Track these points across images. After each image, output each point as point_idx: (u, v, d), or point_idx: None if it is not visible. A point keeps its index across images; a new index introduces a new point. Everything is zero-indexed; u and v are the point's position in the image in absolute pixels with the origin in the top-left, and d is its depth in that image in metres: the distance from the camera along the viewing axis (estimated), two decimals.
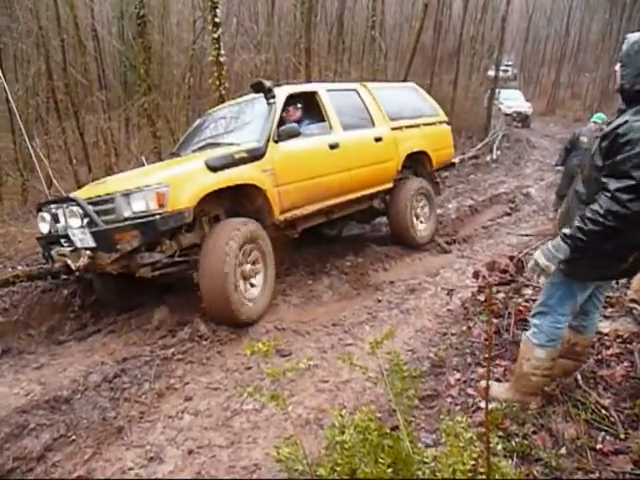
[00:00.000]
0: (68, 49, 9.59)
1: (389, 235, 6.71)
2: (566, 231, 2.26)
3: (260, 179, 4.48)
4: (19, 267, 5.00)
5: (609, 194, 2.11)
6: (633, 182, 2.05)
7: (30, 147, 6.42)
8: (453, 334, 3.95)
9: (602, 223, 2.12)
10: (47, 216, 4.31)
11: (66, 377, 3.53)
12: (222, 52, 7.42)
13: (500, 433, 2.39)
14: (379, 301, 4.83)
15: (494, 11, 20.65)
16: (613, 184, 2.11)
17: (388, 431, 1.88)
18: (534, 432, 2.45)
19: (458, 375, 3.17)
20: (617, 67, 2.30)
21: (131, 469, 2.66)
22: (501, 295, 4.27)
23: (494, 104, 18.90)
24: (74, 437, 2.87)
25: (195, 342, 3.94)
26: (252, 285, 4.42)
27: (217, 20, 7.21)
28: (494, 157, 14.14)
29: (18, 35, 11.55)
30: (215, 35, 7.30)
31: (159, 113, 9.60)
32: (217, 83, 7.54)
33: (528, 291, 4.29)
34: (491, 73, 20.20)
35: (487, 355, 2.42)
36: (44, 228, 4.37)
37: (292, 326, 4.27)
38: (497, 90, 19.35)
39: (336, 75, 12.61)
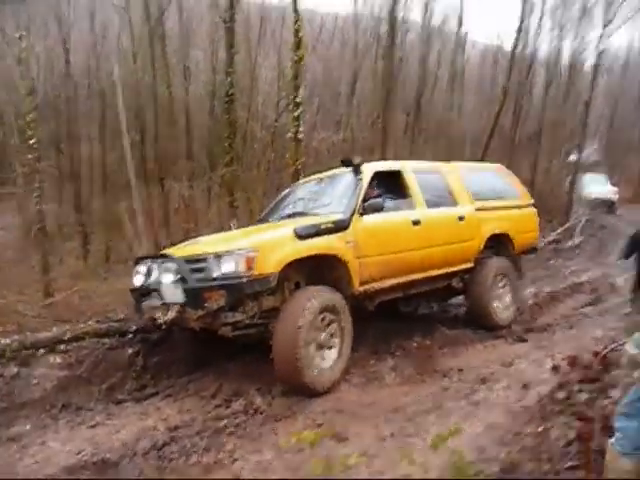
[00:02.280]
0: (161, 121, 10.41)
1: (460, 317, 6.44)
2: None
3: (343, 250, 4.57)
4: (89, 323, 5.16)
5: None
6: None
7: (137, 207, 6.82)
8: (527, 434, 3.56)
9: None
10: (143, 270, 4.57)
11: (118, 439, 3.49)
12: (301, 129, 7.76)
13: None
14: (446, 389, 4.49)
15: (577, 96, 20.43)
16: None
17: None
18: None
19: None
20: None
21: None
22: (585, 396, 3.84)
23: (576, 189, 18.28)
24: None
25: (249, 415, 3.82)
26: (325, 355, 4.38)
27: (298, 100, 7.61)
28: (576, 243, 13.48)
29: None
30: (296, 114, 7.68)
31: (238, 184, 10.04)
32: (294, 158, 7.82)
33: (616, 392, 3.83)
34: (573, 158, 19.71)
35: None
36: (138, 281, 4.62)
37: (350, 408, 4.04)
38: (579, 175, 18.78)
39: (411, 155, 12.76)
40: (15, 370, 4.40)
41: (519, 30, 13.47)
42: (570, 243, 13.42)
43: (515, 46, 13.64)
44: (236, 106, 9.89)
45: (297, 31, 7.61)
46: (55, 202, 11.86)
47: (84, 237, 11.44)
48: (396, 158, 11.04)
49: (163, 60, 10.91)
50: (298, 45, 7.67)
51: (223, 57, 11.24)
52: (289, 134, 8.12)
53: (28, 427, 3.88)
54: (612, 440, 2.30)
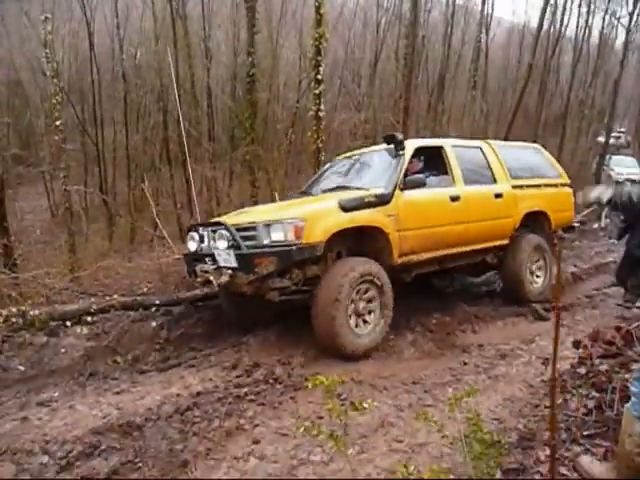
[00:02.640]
0: (183, 103, 10.46)
1: (481, 295, 6.48)
2: None
3: (385, 223, 4.76)
4: (115, 296, 5.29)
5: None
6: None
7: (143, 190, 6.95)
8: (547, 407, 3.56)
9: None
10: (196, 236, 4.86)
11: (142, 405, 3.59)
12: (322, 107, 7.75)
13: None
14: (465, 364, 4.51)
15: (606, 75, 19.80)
16: None
17: None
18: None
19: (549, 451, 2.81)
20: None
21: None
22: (605, 367, 3.81)
23: (603, 170, 17.83)
24: (140, 464, 2.87)
25: (269, 384, 3.90)
26: (364, 322, 4.60)
27: (319, 77, 7.59)
28: (602, 225, 13.21)
29: (143, 93, 12.90)
30: (316, 91, 7.67)
31: (260, 165, 10.08)
32: (315, 137, 7.83)
33: (638, 366, 3.79)
34: (601, 139, 19.18)
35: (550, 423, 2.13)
36: (192, 246, 4.93)
37: (369, 379, 4.09)
38: (607, 156, 18.31)
39: (433, 135, 12.62)
40: (44, 339, 4.55)
41: (545, 5, 13.07)
42: (596, 225, 13.17)
43: (541, 22, 13.22)
44: (257, 87, 9.89)
45: (318, 7, 7.56)
46: (81, 185, 12.06)
47: (109, 218, 11.64)
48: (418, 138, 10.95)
49: (185, 41, 10.95)
50: (319, 22, 7.62)
51: (244, 38, 11.24)
52: (310, 112, 8.13)
53: (57, 393, 4.02)
54: (628, 405, 2.30)
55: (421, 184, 5.02)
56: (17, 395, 3.98)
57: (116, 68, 13.28)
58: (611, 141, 18.93)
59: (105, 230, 11.36)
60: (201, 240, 4.80)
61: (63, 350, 4.56)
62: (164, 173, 11.36)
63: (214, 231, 4.61)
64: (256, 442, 3.17)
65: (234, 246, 4.35)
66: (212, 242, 4.61)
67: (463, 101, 16.30)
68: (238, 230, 4.40)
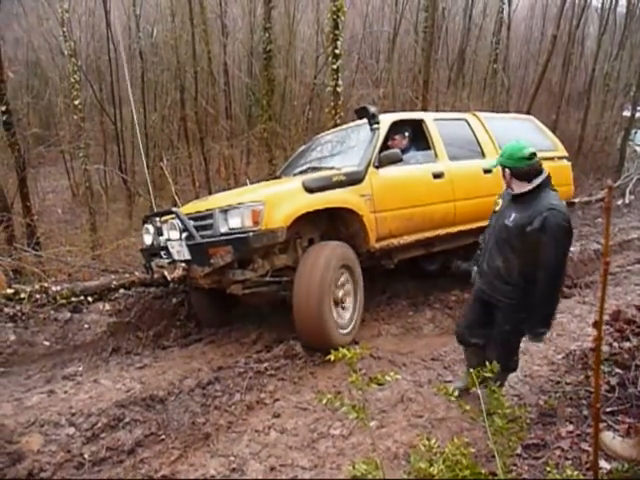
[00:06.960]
0: (200, 81, 10.43)
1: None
2: None
3: (357, 203, 4.32)
4: (136, 273, 5.35)
5: None
6: None
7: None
8: (568, 383, 3.53)
9: None
10: (151, 228, 4.50)
11: (164, 379, 3.67)
12: (340, 83, 7.63)
13: None
14: None
15: (632, 47, 19.14)
16: None
17: (483, 471, 1.66)
18: None
19: (571, 427, 2.79)
20: None
21: (213, 477, 2.64)
22: (628, 345, 3.75)
23: (628, 145, 17.34)
24: (164, 437, 2.93)
25: (289, 360, 3.92)
26: (342, 312, 4.25)
27: (337, 52, 7.46)
28: (626, 201, 12.88)
29: (160, 71, 12.88)
30: (334, 66, 7.54)
31: (277, 142, 10.03)
32: (332, 112, 7.73)
33: None
34: (626, 113, 18.62)
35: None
36: (147, 240, 4.58)
37: (388, 356, 4.10)
38: (633, 131, 17.79)
39: (453, 110, 12.40)
40: (68, 315, 4.63)
41: None
42: (620, 202, 12.86)
43: None
44: (274, 63, 9.80)
45: None
46: (100, 164, 12.16)
47: (129, 197, 11.74)
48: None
49: (201, 17, 10.84)
50: None
51: (260, 13, 11.09)
52: (328, 88, 8.03)
53: (81, 367, 4.13)
54: None
55: (396, 160, 4.51)
56: (43, 369, 4.09)
57: (133, 46, 13.24)
58: (637, 115, 18.37)
59: (125, 209, 11.47)
60: (159, 233, 4.38)
61: (86, 326, 4.64)
62: (182, 151, 11.38)
63: (165, 221, 4.29)
64: (277, 416, 3.21)
65: (187, 237, 3.96)
66: (167, 233, 4.23)
67: (484, 75, 15.92)
68: (194, 219, 4.04)
